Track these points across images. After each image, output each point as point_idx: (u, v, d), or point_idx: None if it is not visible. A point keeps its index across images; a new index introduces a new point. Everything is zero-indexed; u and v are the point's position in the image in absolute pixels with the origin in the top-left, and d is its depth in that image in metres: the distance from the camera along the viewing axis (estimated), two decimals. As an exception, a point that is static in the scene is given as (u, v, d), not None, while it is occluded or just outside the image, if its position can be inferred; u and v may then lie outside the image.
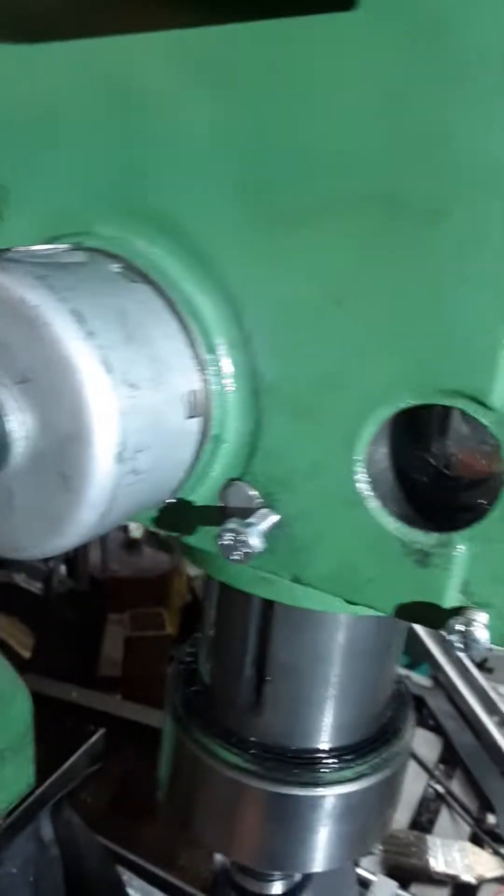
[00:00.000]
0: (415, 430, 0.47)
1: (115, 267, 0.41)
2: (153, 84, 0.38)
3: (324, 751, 0.53)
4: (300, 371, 0.38)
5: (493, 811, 1.21)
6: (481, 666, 1.63)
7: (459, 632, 0.37)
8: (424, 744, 1.38)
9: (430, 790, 1.29)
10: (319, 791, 0.52)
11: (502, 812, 1.20)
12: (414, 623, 0.40)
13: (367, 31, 0.32)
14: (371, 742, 0.54)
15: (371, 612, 0.41)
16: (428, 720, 1.44)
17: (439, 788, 1.27)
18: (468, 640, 0.36)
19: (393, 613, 0.40)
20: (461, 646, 0.36)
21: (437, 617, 0.38)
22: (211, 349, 0.40)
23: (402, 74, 0.31)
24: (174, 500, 0.44)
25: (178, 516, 0.45)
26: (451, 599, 0.38)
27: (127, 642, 1.79)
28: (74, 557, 2.18)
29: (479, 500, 0.38)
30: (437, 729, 1.41)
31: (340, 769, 0.53)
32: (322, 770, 0.52)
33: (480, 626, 0.36)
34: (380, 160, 0.33)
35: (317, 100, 0.33)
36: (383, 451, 0.42)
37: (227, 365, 0.41)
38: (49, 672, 1.57)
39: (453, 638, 0.37)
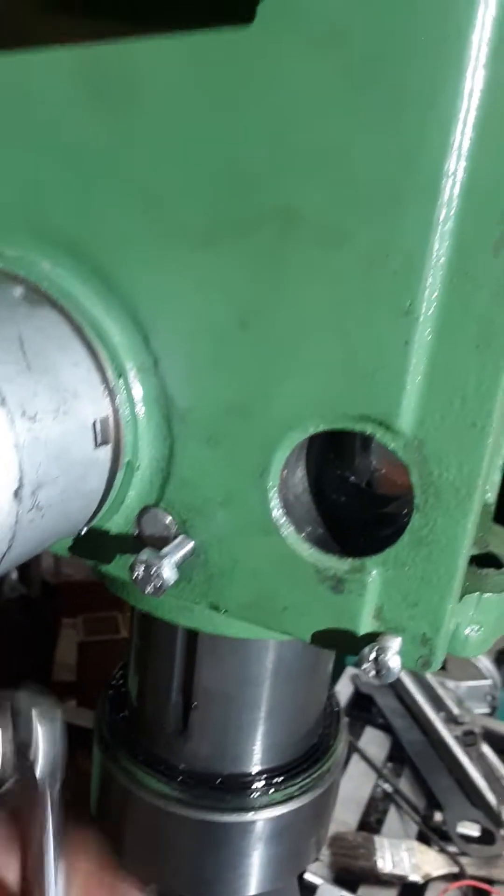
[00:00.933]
0: (337, 448, 0.46)
1: (17, 290, 0.39)
2: (51, 100, 0.36)
3: (252, 774, 0.52)
4: (210, 397, 0.37)
5: (440, 808, 1.23)
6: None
7: (372, 660, 0.36)
8: (374, 743, 1.39)
9: (379, 790, 1.30)
10: (249, 816, 0.51)
11: (449, 809, 1.21)
12: (330, 650, 0.39)
13: (263, 46, 0.31)
14: (300, 762, 0.54)
15: (290, 639, 0.41)
16: (377, 718, 1.45)
17: (388, 788, 1.28)
18: (381, 667, 0.36)
19: (309, 640, 0.40)
20: (373, 673, 0.36)
21: (352, 643, 0.38)
22: (120, 374, 0.39)
23: (298, 91, 0.30)
24: (86, 529, 0.42)
25: (93, 544, 0.44)
26: (365, 625, 0.38)
27: (81, 647, 1.77)
28: (26, 563, 2.14)
29: (388, 527, 0.38)
30: (386, 727, 1.42)
31: (269, 792, 0.52)
32: (251, 794, 0.52)
33: (392, 654, 0.36)
34: (280, 179, 0.32)
35: (211, 116, 0.32)
36: (300, 475, 0.42)
37: (138, 390, 0.39)
38: (1, 679, 1.53)
39: (366, 666, 0.36)
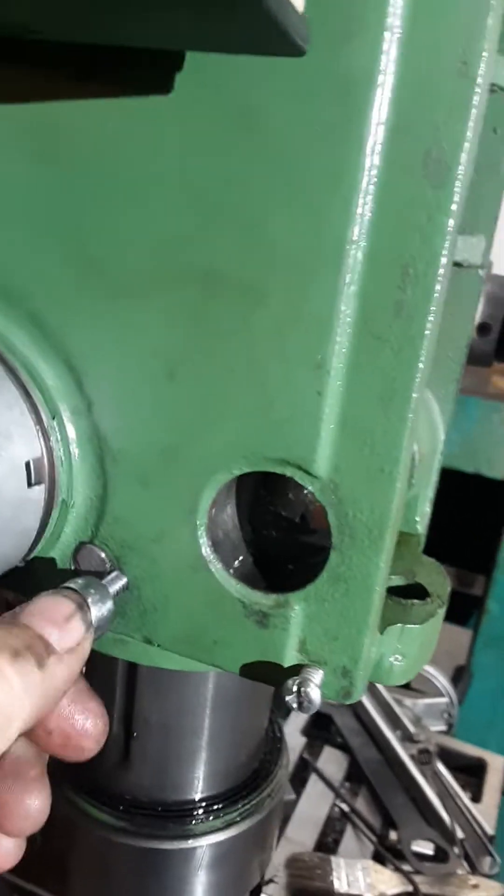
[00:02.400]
0: (269, 485, 0.48)
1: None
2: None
3: (193, 801, 0.53)
4: (140, 439, 0.39)
5: (395, 827, 1.24)
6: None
7: (295, 692, 0.38)
8: (332, 762, 1.40)
9: (336, 809, 1.30)
10: (190, 843, 0.52)
11: (404, 827, 1.23)
12: (258, 682, 0.41)
13: (180, 115, 0.33)
14: (241, 788, 0.55)
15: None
16: (336, 738, 1.46)
17: (345, 807, 1.29)
18: (303, 699, 0.38)
19: (239, 673, 0.41)
20: (296, 705, 0.38)
21: (277, 675, 0.39)
22: (54, 416, 0.40)
23: (215, 162, 0.32)
24: (24, 564, 0.43)
25: (31, 580, 0.45)
26: (289, 658, 0.39)
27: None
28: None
29: (317, 558, 0.40)
30: (345, 746, 1.43)
31: (210, 819, 0.53)
32: (192, 821, 0.53)
33: (314, 686, 0.37)
34: (202, 241, 0.34)
35: (138, 177, 0.34)
36: (229, 512, 0.43)
37: (72, 431, 0.41)
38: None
39: (289, 699, 0.38)
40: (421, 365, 0.32)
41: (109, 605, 0.37)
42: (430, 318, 0.31)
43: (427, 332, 0.31)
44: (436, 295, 0.31)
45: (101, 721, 0.36)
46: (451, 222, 0.30)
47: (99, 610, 0.36)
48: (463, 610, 2.09)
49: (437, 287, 0.31)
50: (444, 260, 0.30)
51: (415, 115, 0.30)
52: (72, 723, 0.35)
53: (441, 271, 0.30)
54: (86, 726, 0.35)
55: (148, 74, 0.33)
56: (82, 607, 0.34)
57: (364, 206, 0.30)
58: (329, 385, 0.33)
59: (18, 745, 0.35)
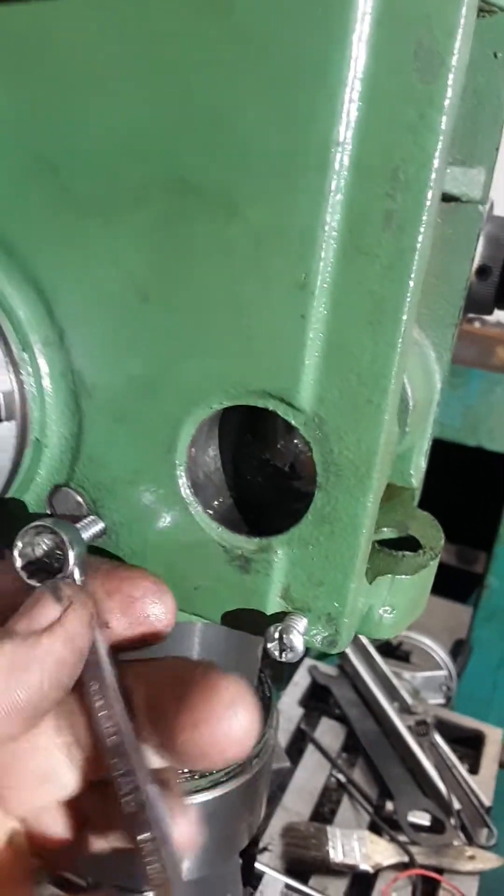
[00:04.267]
0: (256, 429, 0.46)
1: None
2: None
3: (177, 759, 0.52)
4: (115, 372, 0.37)
5: (392, 798, 1.24)
6: (395, 653, 1.67)
7: (277, 639, 0.36)
8: (329, 733, 1.40)
9: (333, 780, 1.30)
10: (173, 801, 0.51)
11: (400, 798, 1.22)
12: (240, 630, 0.39)
13: (147, 5, 0.30)
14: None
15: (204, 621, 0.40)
16: (334, 709, 1.45)
17: (341, 778, 1.29)
18: (285, 646, 0.36)
19: (220, 621, 0.39)
20: (277, 653, 0.36)
21: (260, 623, 0.38)
22: (25, 348, 0.38)
23: (186, 56, 0.30)
24: (-3, 508, 0.41)
25: (4, 524, 0.43)
26: (272, 605, 0.37)
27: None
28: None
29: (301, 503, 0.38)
30: (342, 718, 1.43)
31: (195, 778, 0.52)
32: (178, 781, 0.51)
33: (297, 633, 0.36)
34: (171, 149, 0.31)
35: (99, 82, 0.31)
36: (212, 453, 0.41)
37: (44, 365, 0.38)
38: None
39: (271, 646, 0.36)
40: (411, 283, 0.30)
41: (80, 548, 0.35)
42: (422, 230, 0.29)
43: (418, 244, 0.29)
44: (428, 203, 0.28)
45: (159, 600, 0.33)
46: (445, 120, 0.27)
47: (72, 549, 0.34)
48: (464, 587, 2.07)
49: (430, 194, 0.28)
50: (436, 163, 0.28)
51: (404, 2, 0.27)
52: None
53: (433, 175, 0.28)
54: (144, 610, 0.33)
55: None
56: (58, 593, 0.31)
57: (350, 104, 0.28)
58: (313, 307, 0.31)
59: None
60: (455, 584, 1.94)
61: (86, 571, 0.34)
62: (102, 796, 0.32)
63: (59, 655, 0.30)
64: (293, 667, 1.53)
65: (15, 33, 0.33)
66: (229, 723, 0.29)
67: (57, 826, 0.33)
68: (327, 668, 1.52)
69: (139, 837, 0.30)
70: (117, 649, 0.33)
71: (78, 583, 0.33)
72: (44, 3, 0.32)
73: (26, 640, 0.29)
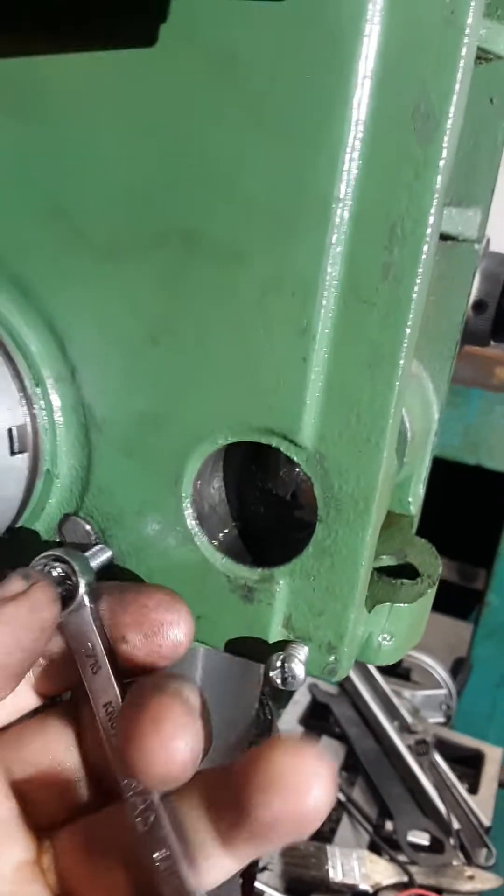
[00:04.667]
0: (259, 460, 0.47)
1: None
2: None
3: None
4: (124, 407, 0.38)
5: (391, 817, 1.24)
6: (395, 671, 1.67)
7: (279, 668, 0.37)
8: (329, 752, 1.40)
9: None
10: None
11: (400, 818, 1.22)
12: (243, 658, 0.40)
13: (162, 66, 0.32)
14: (228, 769, 0.54)
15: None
16: (333, 728, 1.45)
17: (341, 796, 1.29)
18: (287, 675, 0.37)
19: (223, 648, 0.40)
20: (279, 681, 0.37)
21: (262, 651, 0.39)
22: (38, 383, 0.40)
23: (195, 114, 0.31)
24: (7, 536, 0.43)
25: (15, 552, 0.44)
26: (275, 634, 0.39)
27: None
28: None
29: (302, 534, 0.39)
30: (342, 736, 1.43)
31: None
32: (178, 801, 0.52)
33: (298, 662, 0.37)
34: (180, 198, 0.33)
35: (113, 133, 0.33)
36: (216, 485, 0.42)
37: (56, 399, 0.40)
38: None
39: (273, 674, 0.37)
40: (408, 330, 0.31)
41: (89, 577, 0.36)
42: (418, 281, 0.30)
43: (415, 295, 0.30)
44: (423, 256, 0.30)
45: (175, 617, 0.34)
46: (440, 179, 0.29)
47: (81, 577, 0.36)
48: (464, 604, 2.08)
49: (425, 248, 0.30)
50: (431, 220, 0.29)
51: (402, 66, 0.29)
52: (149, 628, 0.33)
53: (429, 231, 0.29)
54: (161, 627, 0.33)
55: (121, 20, 0.32)
56: (27, 575, 0.33)
57: (350, 163, 0.30)
58: (314, 351, 0.32)
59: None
60: (455, 601, 1.95)
61: (95, 599, 0.35)
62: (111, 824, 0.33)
63: (24, 621, 0.31)
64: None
65: (33, 84, 0.34)
66: (165, 743, 0.28)
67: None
68: (327, 687, 1.52)
69: (155, 856, 0.30)
70: (138, 667, 0.33)
71: (88, 608, 0.35)
72: (59, 56, 0.34)
73: None
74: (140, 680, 0.32)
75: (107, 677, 0.33)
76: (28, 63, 0.34)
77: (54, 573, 0.36)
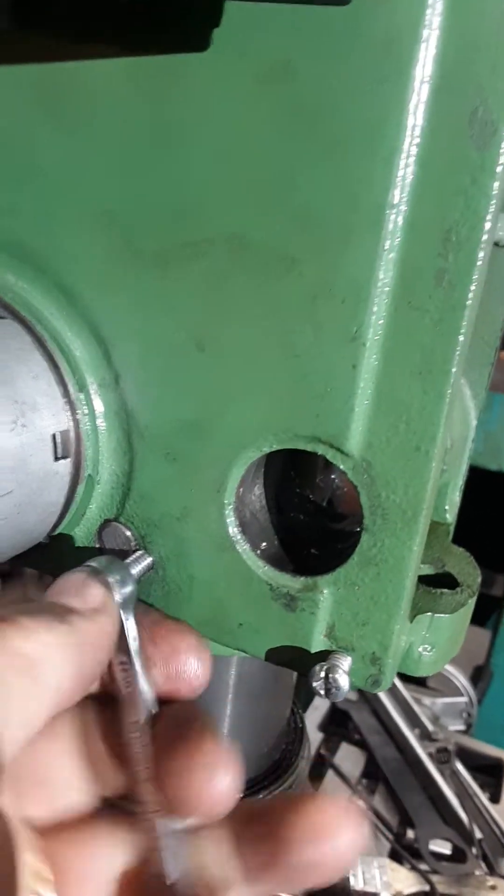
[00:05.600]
0: (297, 466, 0.47)
1: (-20, 302, 0.39)
2: (11, 116, 0.37)
3: (213, 789, 0.52)
4: (168, 414, 0.38)
5: (412, 826, 1.23)
6: (416, 679, 1.66)
7: (322, 678, 0.37)
8: (349, 759, 1.39)
9: (353, 806, 1.29)
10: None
11: (421, 826, 1.21)
12: (284, 667, 0.40)
13: (215, 73, 0.32)
14: (262, 779, 0.54)
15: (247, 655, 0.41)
16: (353, 735, 1.44)
17: (361, 804, 1.28)
18: (330, 686, 0.36)
19: (264, 657, 0.40)
20: (323, 692, 0.36)
21: (304, 661, 0.38)
22: (82, 388, 0.40)
23: (246, 120, 0.31)
24: (48, 541, 0.43)
25: (56, 557, 0.44)
26: (317, 643, 0.38)
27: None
28: (11, 571, 2.13)
29: (344, 544, 0.39)
30: (362, 743, 1.42)
31: (230, 807, 0.52)
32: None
33: (342, 673, 0.36)
34: (228, 206, 0.33)
35: (161, 140, 0.33)
36: (257, 492, 0.42)
37: (99, 405, 0.40)
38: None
39: (316, 685, 0.37)
40: (461, 338, 0.31)
41: (130, 587, 0.36)
42: (473, 288, 0.30)
43: (469, 301, 0.30)
44: (479, 263, 0.30)
45: (199, 658, 0.34)
46: (497, 185, 0.28)
47: (122, 588, 0.35)
48: (483, 610, 2.06)
49: (481, 254, 0.29)
50: (487, 225, 0.29)
51: (460, 72, 0.28)
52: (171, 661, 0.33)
53: (485, 237, 0.29)
54: (185, 664, 0.33)
55: (178, 28, 0.32)
56: (97, 573, 0.33)
57: (406, 169, 0.29)
58: (365, 358, 0.32)
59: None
60: (474, 607, 1.93)
61: (133, 613, 0.35)
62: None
63: (112, 636, 0.32)
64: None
65: (82, 93, 0.34)
66: (210, 781, 0.29)
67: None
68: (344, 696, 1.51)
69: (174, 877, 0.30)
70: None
71: (125, 621, 0.34)
72: (108, 63, 0.34)
73: (89, 618, 0.31)
74: (170, 711, 0.32)
75: (136, 693, 0.33)
76: (77, 71, 0.34)
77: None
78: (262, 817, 0.30)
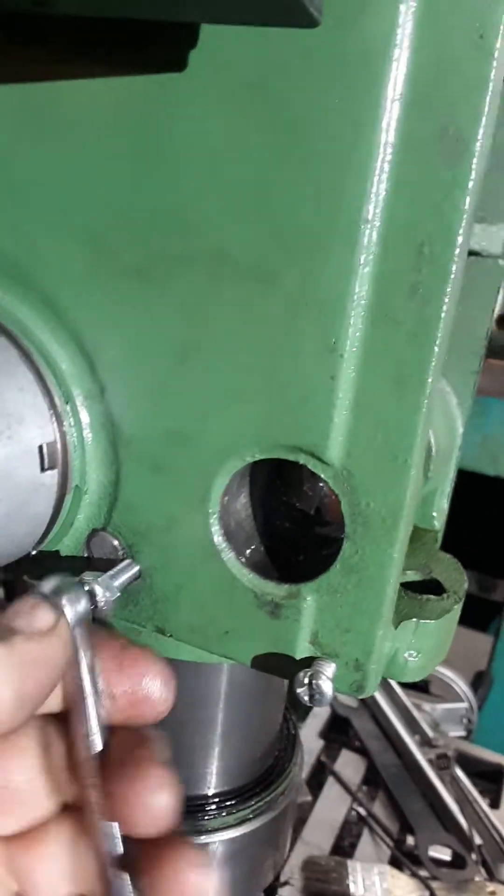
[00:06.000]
0: (283, 475, 0.48)
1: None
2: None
3: (206, 797, 0.53)
4: (152, 424, 0.39)
5: (412, 832, 1.22)
6: (415, 684, 1.66)
7: (307, 684, 0.37)
8: (349, 766, 1.39)
9: (353, 813, 1.29)
10: (202, 839, 0.51)
11: (421, 833, 1.21)
12: (269, 674, 0.40)
13: (194, 91, 0.32)
14: (254, 786, 0.54)
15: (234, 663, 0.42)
16: (354, 741, 1.44)
17: (362, 811, 1.28)
18: (314, 692, 0.37)
19: (250, 664, 0.40)
20: (307, 698, 0.37)
21: (289, 668, 0.39)
22: (68, 400, 0.40)
23: (222, 138, 0.32)
24: (36, 552, 0.43)
25: (44, 566, 0.45)
26: (301, 650, 0.39)
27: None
28: (14, 580, 2.13)
29: (328, 550, 0.39)
30: (362, 750, 1.42)
31: (223, 815, 0.52)
32: (204, 817, 0.52)
33: (326, 679, 0.37)
34: (208, 221, 0.33)
35: (141, 157, 0.34)
36: (242, 501, 0.43)
37: (85, 416, 0.40)
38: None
39: (300, 691, 0.37)
40: (436, 349, 0.31)
41: (83, 605, 0.35)
42: (446, 300, 0.30)
43: (443, 314, 0.31)
44: (452, 276, 0.30)
45: (163, 683, 0.35)
46: (468, 200, 0.29)
47: (74, 607, 0.35)
48: (483, 616, 2.06)
49: (454, 268, 0.30)
50: (460, 240, 0.30)
51: (431, 90, 0.29)
52: (134, 687, 0.34)
53: (457, 251, 0.30)
54: (149, 689, 0.34)
55: (157, 49, 0.32)
56: (49, 598, 0.33)
57: (379, 185, 0.30)
58: (342, 369, 0.33)
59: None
60: (474, 612, 1.93)
61: (85, 630, 0.35)
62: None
63: (59, 659, 0.32)
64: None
65: (64, 110, 0.35)
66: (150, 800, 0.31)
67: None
68: (347, 700, 1.51)
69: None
70: (116, 721, 0.34)
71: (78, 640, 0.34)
72: (89, 82, 0.34)
73: (32, 639, 0.31)
74: (125, 733, 0.33)
75: (85, 711, 0.33)
76: (60, 88, 0.34)
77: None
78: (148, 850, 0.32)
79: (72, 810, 0.33)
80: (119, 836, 0.31)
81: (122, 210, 0.35)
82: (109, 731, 0.33)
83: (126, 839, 0.32)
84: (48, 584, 0.34)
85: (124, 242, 0.35)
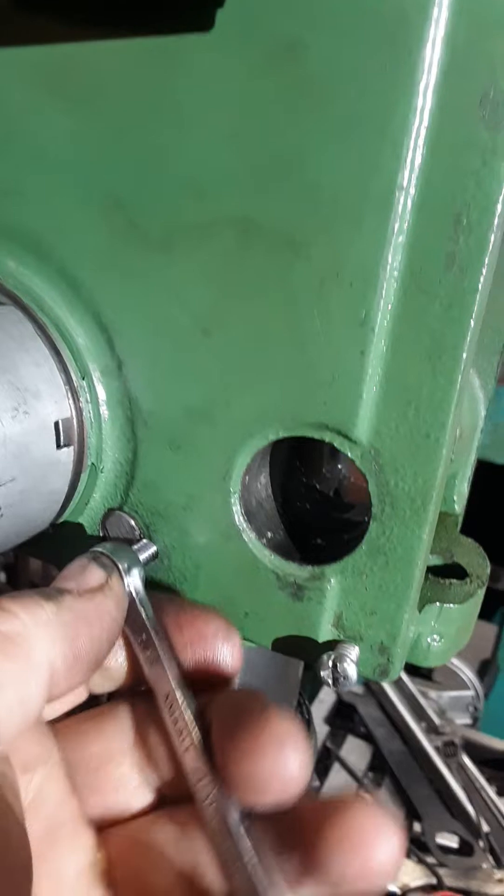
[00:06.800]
0: (303, 456, 0.47)
1: (-18, 289, 0.39)
2: (15, 99, 0.37)
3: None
4: (172, 401, 0.38)
5: (419, 819, 1.23)
6: (421, 671, 1.66)
7: (330, 668, 0.36)
8: (355, 752, 1.39)
9: (359, 799, 1.29)
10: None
11: (428, 820, 1.21)
12: (290, 657, 0.39)
13: (221, 53, 0.31)
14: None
15: (253, 645, 0.41)
16: (359, 727, 1.44)
17: (368, 797, 1.28)
18: (338, 675, 0.36)
19: (271, 647, 0.40)
20: (330, 682, 0.36)
21: (312, 650, 0.38)
22: (84, 375, 0.39)
23: (253, 101, 0.31)
24: (51, 531, 0.42)
25: (59, 546, 0.44)
26: (324, 633, 0.38)
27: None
28: (15, 564, 2.14)
29: (351, 533, 0.38)
30: (368, 736, 1.42)
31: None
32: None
33: (350, 662, 0.36)
34: (236, 188, 0.32)
35: (168, 122, 0.33)
36: (263, 481, 0.42)
37: (102, 392, 0.39)
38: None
39: (324, 674, 0.36)
40: (472, 322, 0.30)
41: (138, 568, 0.36)
42: (484, 271, 0.29)
43: (480, 285, 0.30)
44: (490, 246, 0.29)
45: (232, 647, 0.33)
46: (510, 166, 0.28)
47: (129, 569, 0.35)
48: (489, 604, 2.06)
49: (492, 237, 0.29)
50: (499, 208, 0.28)
51: (471, 53, 0.28)
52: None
53: (496, 220, 0.29)
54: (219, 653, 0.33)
55: (185, 11, 0.31)
56: (97, 558, 0.33)
57: (415, 151, 0.29)
58: (373, 343, 0.32)
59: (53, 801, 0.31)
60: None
61: (145, 591, 0.35)
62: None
63: (113, 614, 0.32)
64: (318, 683, 1.53)
65: (88, 74, 0.34)
66: (281, 761, 0.27)
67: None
68: (353, 687, 1.51)
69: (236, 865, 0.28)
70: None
71: (139, 601, 0.34)
72: (114, 44, 0.33)
73: (83, 596, 0.31)
74: (222, 699, 0.31)
75: (161, 664, 0.32)
76: (81, 53, 0.33)
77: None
78: (296, 822, 0.28)
79: (175, 803, 0.31)
80: (240, 813, 0.28)
81: (147, 177, 0.33)
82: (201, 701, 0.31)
83: (249, 815, 0.28)
84: (99, 547, 0.34)
85: (148, 210, 0.34)
